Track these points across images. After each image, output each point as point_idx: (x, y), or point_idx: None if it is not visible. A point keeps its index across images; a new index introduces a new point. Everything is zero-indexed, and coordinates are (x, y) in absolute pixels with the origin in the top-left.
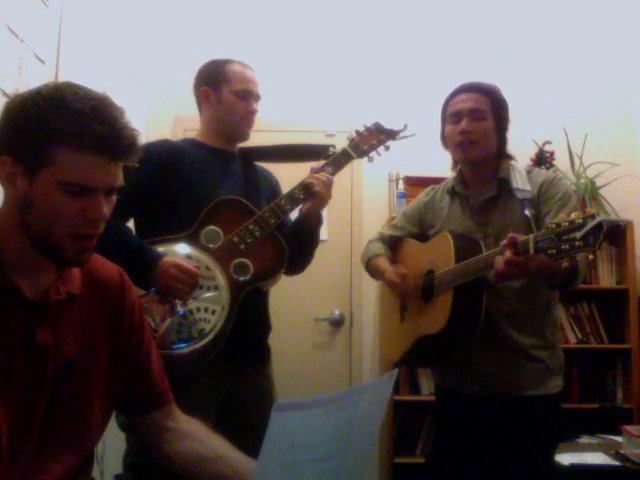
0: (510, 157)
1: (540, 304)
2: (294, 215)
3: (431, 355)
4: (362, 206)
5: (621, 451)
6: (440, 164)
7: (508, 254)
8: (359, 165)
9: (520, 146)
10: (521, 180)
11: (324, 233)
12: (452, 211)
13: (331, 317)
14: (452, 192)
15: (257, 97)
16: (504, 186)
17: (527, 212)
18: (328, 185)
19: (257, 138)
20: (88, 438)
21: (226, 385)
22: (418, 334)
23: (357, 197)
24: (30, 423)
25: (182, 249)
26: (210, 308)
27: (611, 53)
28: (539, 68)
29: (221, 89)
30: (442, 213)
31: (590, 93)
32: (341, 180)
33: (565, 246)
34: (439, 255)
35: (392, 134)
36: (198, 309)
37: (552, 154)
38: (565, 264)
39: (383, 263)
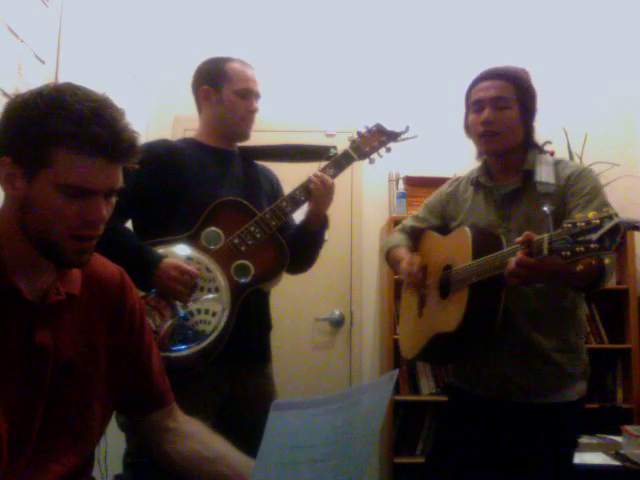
0: (538, 147)
1: (565, 305)
2: (297, 217)
3: (447, 353)
4: (362, 206)
5: (621, 451)
6: (440, 164)
7: (520, 254)
8: (359, 165)
9: None
10: (546, 173)
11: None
12: (475, 203)
13: (331, 317)
14: (476, 183)
15: (257, 96)
16: (529, 178)
17: (546, 208)
18: (326, 185)
19: (257, 138)
20: (88, 439)
21: (226, 385)
22: (434, 331)
23: (357, 197)
24: (30, 424)
25: (182, 250)
26: (211, 310)
27: (611, 53)
28: (539, 68)
29: (222, 88)
30: (465, 205)
31: (590, 93)
32: (341, 180)
33: (580, 248)
34: (457, 250)
35: (393, 136)
36: (199, 311)
37: (552, 154)
38: (580, 267)
39: (402, 253)
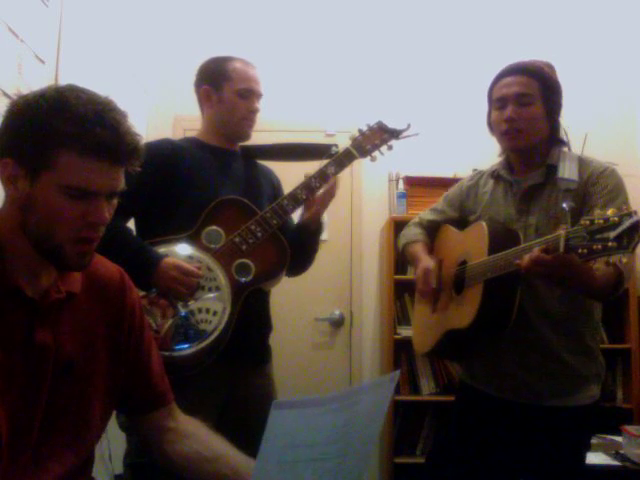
0: (563, 143)
1: (582, 306)
2: (295, 217)
3: (460, 349)
4: (362, 206)
5: (621, 451)
6: (440, 164)
7: (537, 251)
8: (359, 165)
9: None
10: (570, 169)
11: (324, 233)
12: (494, 197)
13: (331, 317)
14: (497, 177)
15: (259, 95)
16: (552, 174)
17: (566, 205)
18: (334, 186)
19: (257, 138)
20: (88, 438)
21: (226, 385)
22: (447, 327)
23: (357, 197)
24: (30, 423)
25: (183, 250)
26: (212, 309)
27: (611, 53)
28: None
29: (222, 88)
30: (484, 198)
31: (590, 93)
32: (341, 180)
33: (597, 246)
34: (473, 245)
35: (395, 133)
36: (200, 310)
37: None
38: (598, 270)
39: (419, 251)
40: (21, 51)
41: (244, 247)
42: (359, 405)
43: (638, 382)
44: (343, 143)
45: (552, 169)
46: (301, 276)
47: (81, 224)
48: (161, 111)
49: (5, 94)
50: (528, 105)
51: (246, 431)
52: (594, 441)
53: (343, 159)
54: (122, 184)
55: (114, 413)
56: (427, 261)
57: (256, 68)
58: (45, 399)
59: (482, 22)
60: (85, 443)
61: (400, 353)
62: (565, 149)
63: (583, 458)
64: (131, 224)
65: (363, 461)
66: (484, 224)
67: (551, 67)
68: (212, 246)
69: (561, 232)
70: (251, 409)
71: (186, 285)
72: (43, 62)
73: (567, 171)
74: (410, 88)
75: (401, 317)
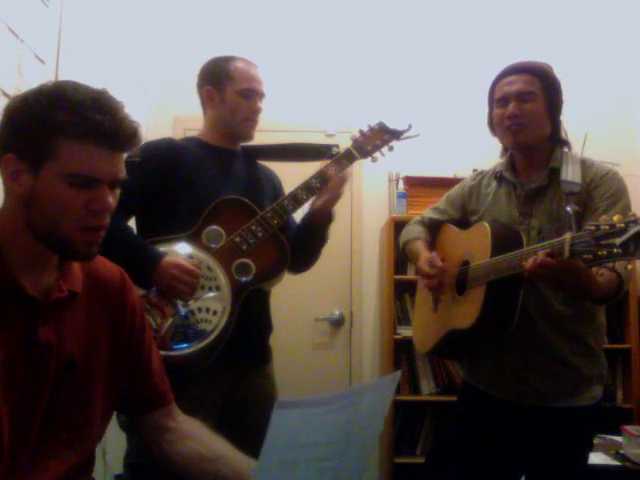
0: (566, 144)
1: (585, 308)
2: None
3: (461, 349)
4: (362, 206)
5: (621, 451)
6: (440, 164)
7: (541, 255)
8: (359, 165)
9: None
10: (573, 172)
11: None
12: (497, 198)
13: (331, 317)
14: (500, 178)
15: (262, 95)
16: (555, 176)
17: (569, 208)
18: (343, 179)
19: (257, 138)
20: (88, 437)
21: (227, 385)
22: (449, 327)
23: (357, 197)
24: (31, 421)
25: (183, 249)
26: (212, 308)
27: (611, 53)
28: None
29: (224, 88)
30: (487, 199)
31: (590, 93)
32: None
33: (602, 252)
34: (475, 246)
35: (396, 134)
36: (200, 309)
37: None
38: (601, 277)
39: (420, 248)
40: (21, 51)
41: (244, 247)
42: (360, 405)
43: (638, 382)
44: (344, 143)
45: (555, 172)
46: (301, 276)
47: (85, 213)
48: (161, 111)
49: (5, 94)
50: (530, 101)
51: (246, 431)
52: (594, 441)
53: (344, 160)
54: (123, 173)
55: (114, 413)
56: (431, 257)
57: (258, 68)
58: (46, 398)
59: (482, 22)
60: (86, 442)
61: (400, 353)
62: (568, 151)
63: (586, 459)
64: (132, 223)
65: (364, 461)
66: (487, 225)
67: (550, 67)
68: (212, 245)
69: (566, 236)
70: (251, 409)
71: (186, 284)
72: (43, 62)
73: (570, 174)
74: (410, 88)
75: (401, 317)
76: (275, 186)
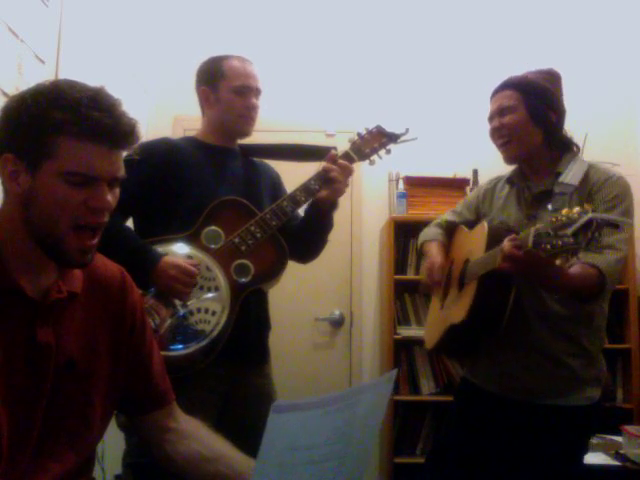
0: (571, 148)
1: (582, 309)
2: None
3: (460, 346)
4: (362, 206)
5: (621, 451)
6: (440, 164)
7: (507, 246)
8: (359, 165)
9: None
10: (573, 175)
11: None
12: (507, 201)
13: (331, 317)
14: (512, 182)
15: (257, 92)
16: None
17: (550, 206)
18: (347, 171)
19: (257, 138)
20: (89, 438)
21: (226, 385)
22: (448, 322)
23: (357, 197)
24: (31, 422)
25: (182, 249)
26: (210, 309)
27: (612, 53)
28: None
29: (218, 87)
30: (498, 203)
31: (590, 93)
32: None
33: (558, 242)
34: (475, 244)
35: (394, 137)
36: (198, 310)
37: None
38: (560, 262)
39: (432, 249)
40: (21, 51)
41: (243, 248)
42: (358, 405)
43: (638, 382)
44: (343, 143)
45: (560, 176)
46: (301, 276)
47: (84, 211)
48: (161, 111)
49: (5, 94)
50: (508, 114)
51: (246, 431)
52: (594, 441)
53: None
54: (122, 171)
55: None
56: (434, 257)
57: (253, 64)
58: (46, 399)
59: (482, 23)
60: (86, 443)
61: (400, 353)
62: (577, 156)
63: (578, 460)
64: (130, 223)
65: (363, 461)
66: (485, 224)
67: (537, 74)
68: (211, 246)
69: (531, 229)
70: (250, 409)
71: (185, 284)
72: (43, 62)
73: (569, 177)
74: (410, 88)
75: (401, 317)
76: (273, 180)
